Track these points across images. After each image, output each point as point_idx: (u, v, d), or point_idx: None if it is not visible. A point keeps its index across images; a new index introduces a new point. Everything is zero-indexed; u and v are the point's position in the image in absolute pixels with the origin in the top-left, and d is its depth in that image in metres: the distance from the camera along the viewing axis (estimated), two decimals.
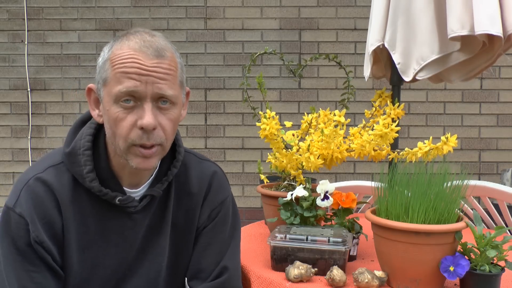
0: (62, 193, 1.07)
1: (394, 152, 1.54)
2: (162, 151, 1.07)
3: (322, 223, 1.51)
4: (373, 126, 1.49)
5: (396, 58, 1.76)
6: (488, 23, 1.55)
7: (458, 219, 1.18)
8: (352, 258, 1.39)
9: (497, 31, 1.55)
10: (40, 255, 1.04)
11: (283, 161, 1.57)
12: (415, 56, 1.72)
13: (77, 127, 1.14)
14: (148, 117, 0.99)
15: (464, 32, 1.59)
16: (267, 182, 1.72)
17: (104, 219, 1.10)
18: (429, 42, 1.70)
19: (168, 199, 1.17)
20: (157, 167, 1.16)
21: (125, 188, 1.11)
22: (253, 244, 1.58)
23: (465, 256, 1.13)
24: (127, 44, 1.01)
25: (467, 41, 1.72)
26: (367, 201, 1.98)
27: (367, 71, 1.86)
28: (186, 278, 1.22)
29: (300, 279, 1.21)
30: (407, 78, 1.76)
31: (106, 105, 1.03)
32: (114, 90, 1.00)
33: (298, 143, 1.57)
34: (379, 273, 1.17)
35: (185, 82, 1.11)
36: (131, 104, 1.00)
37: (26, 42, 3.70)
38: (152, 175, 1.15)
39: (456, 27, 1.59)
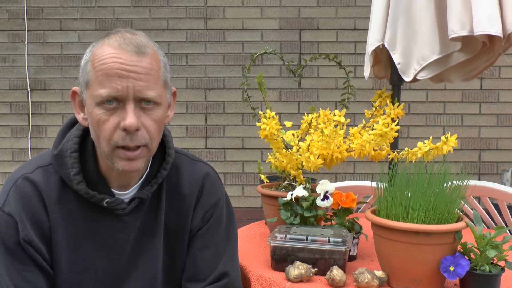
0: (49, 194, 1.07)
1: (394, 152, 1.54)
2: (147, 152, 1.05)
3: (322, 223, 1.51)
4: (373, 126, 1.49)
5: (396, 58, 1.76)
6: (487, 24, 1.54)
7: (458, 219, 1.18)
8: (352, 258, 1.39)
9: (496, 31, 1.54)
10: (29, 254, 1.04)
11: (283, 161, 1.57)
12: (416, 57, 1.72)
13: (66, 129, 1.14)
14: (130, 118, 0.98)
15: (464, 33, 1.59)
16: (267, 182, 1.72)
17: (93, 221, 1.10)
18: (430, 42, 1.70)
19: (159, 201, 1.16)
20: (147, 169, 1.15)
21: (114, 190, 1.11)
22: (253, 244, 1.58)
23: (465, 256, 1.13)
24: (107, 43, 1.00)
25: (467, 41, 1.72)
26: (367, 201, 1.98)
27: (367, 71, 1.86)
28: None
29: (300, 279, 1.21)
30: (407, 78, 1.76)
31: (89, 107, 1.02)
32: (96, 93, 0.99)
33: (298, 143, 1.57)
34: (379, 273, 1.17)
35: (170, 82, 1.09)
36: (113, 105, 0.99)
37: (26, 42, 3.70)
38: (142, 177, 1.14)
39: (456, 28, 1.59)
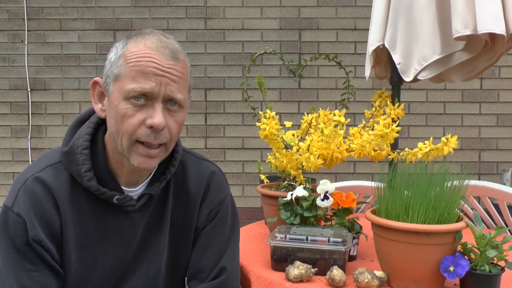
0: (60, 192, 1.07)
1: (394, 152, 1.54)
2: (165, 152, 1.08)
3: (322, 223, 1.51)
4: (373, 126, 1.49)
5: (397, 58, 1.76)
6: (491, 22, 1.54)
7: (458, 219, 1.18)
8: (352, 258, 1.39)
9: (500, 30, 1.54)
10: (39, 254, 1.04)
11: (283, 161, 1.57)
12: (416, 56, 1.71)
13: (75, 127, 1.14)
14: (159, 116, 1.00)
15: (468, 32, 1.59)
16: (267, 182, 1.72)
17: (102, 218, 1.10)
18: (431, 42, 1.69)
19: (166, 198, 1.17)
20: (156, 166, 1.16)
21: (123, 187, 1.12)
22: (253, 244, 1.58)
23: (465, 256, 1.13)
24: (143, 42, 1.02)
25: (469, 40, 1.72)
26: (367, 201, 1.98)
27: (367, 71, 1.85)
28: (186, 278, 1.22)
29: (300, 279, 1.21)
30: (407, 78, 1.75)
31: (114, 100, 1.03)
32: (127, 87, 1.00)
33: (298, 143, 1.57)
34: (379, 273, 1.17)
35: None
36: (141, 102, 1.01)
37: (26, 42, 3.70)
38: (150, 174, 1.15)
39: (460, 27, 1.59)
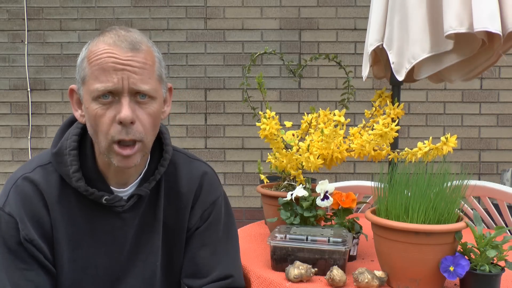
0: (50, 193, 1.07)
1: (394, 152, 1.54)
2: (143, 147, 1.06)
3: (322, 223, 1.51)
4: (373, 126, 1.49)
5: (392, 57, 1.75)
6: (487, 21, 1.53)
7: (458, 219, 1.18)
8: (352, 258, 1.39)
9: (496, 28, 1.53)
10: (31, 253, 1.04)
11: (283, 161, 1.57)
12: (407, 55, 1.70)
13: (64, 128, 1.15)
14: (125, 110, 0.99)
15: (463, 30, 1.58)
16: (267, 182, 1.72)
17: (93, 218, 1.11)
18: (421, 40, 1.68)
19: (158, 198, 1.17)
20: (146, 167, 1.15)
21: (112, 188, 1.11)
22: (253, 244, 1.58)
23: (465, 256, 1.13)
24: (102, 40, 1.02)
25: (465, 40, 1.71)
26: (367, 201, 1.98)
27: (365, 71, 1.85)
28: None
29: (300, 279, 1.21)
30: (400, 77, 1.73)
31: (85, 103, 1.03)
32: (92, 87, 1.00)
33: (298, 143, 1.57)
34: (379, 273, 1.17)
35: (165, 77, 1.10)
36: (109, 99, 1.00)
37: (26, 42, 3.70)
38: (140, 175, 1.15)
39: (454, 24, 1.57)
